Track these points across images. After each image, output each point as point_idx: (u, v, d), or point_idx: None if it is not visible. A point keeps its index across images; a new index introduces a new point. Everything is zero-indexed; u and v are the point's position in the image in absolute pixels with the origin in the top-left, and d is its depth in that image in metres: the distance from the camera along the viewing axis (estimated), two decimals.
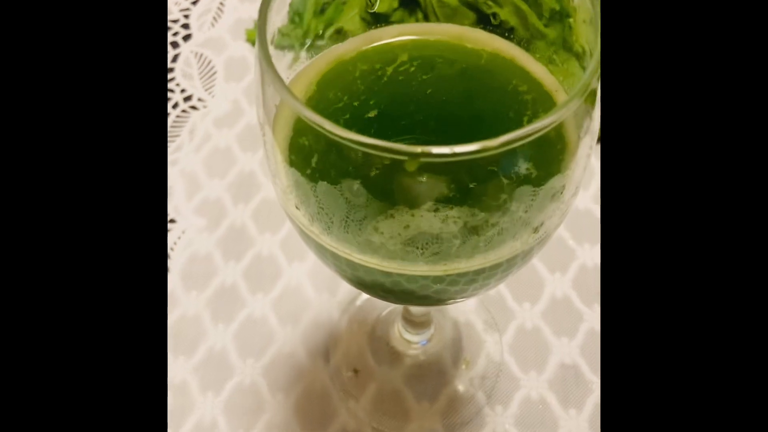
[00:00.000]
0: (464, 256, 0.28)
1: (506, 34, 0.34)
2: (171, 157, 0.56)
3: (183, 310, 0.49)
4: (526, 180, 0.26)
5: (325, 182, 0.28)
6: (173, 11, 0.64)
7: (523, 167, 0.26)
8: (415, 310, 0.43)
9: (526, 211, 0.28)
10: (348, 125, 0.30)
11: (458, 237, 0.28)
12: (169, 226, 0.52)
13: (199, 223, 0.53)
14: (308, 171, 0.29)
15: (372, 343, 0.48)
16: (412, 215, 0.27)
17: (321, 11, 0.68)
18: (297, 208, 0.29)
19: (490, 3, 0.55)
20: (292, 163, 0.30)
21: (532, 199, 0.27)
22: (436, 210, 0.27)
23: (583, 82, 0.24)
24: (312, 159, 0.29)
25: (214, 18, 0.64)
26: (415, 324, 0.45)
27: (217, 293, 0.50)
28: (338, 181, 0.28)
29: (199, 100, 0.59)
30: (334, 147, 0.26)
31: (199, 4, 0.65)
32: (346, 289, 0.50)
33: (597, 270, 0.50)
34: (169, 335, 0.48)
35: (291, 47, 0.52)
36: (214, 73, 0.61)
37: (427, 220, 0.27)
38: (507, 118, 0.30)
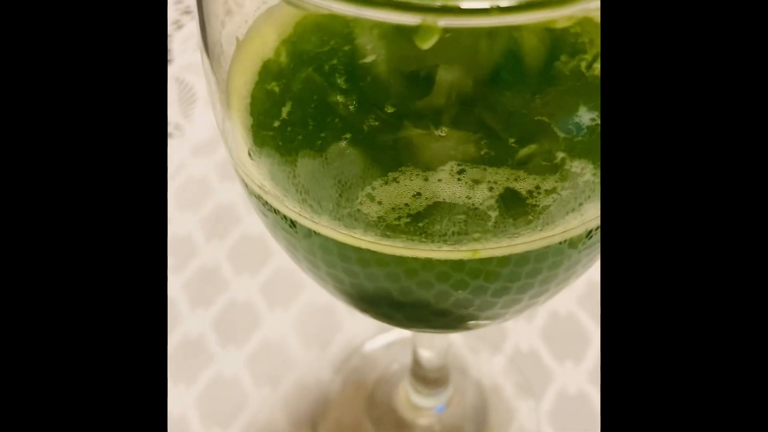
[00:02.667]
0: (500, 235, 0.18)
1: None
2: None
3: None
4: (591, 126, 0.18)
5: (301, 137, 0.20)
6: None
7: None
8: (428, 361, 0.33)
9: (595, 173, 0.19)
10: (341, 71, 0.21)
11: (495, 209, 0.18)
12: None
13: None
14: (276, 124, 0.20)
15: (372, 411, 0.37)
16: (426, 179, 0.18)
17: None
18: (251, 156, 0.20)
19: None
20: (254, 116, 0.21)
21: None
22: (462, 172, 0.18)
23: None
24: (282, 108, 0.20)
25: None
26: (428, 382, 0.34)
27: (179, 347, 0.40)
28: (320, 131, 0.19)
29: (176, 127, 0.51)
30: (315, 72, 0.18)
31: (184, 29, 0.58)
32: (339, 343, 0.40)
33: None
34: None
35: None
36: (195, 99, 0.53)
37: (447, 185, 0.18)
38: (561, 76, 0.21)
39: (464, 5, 0.13)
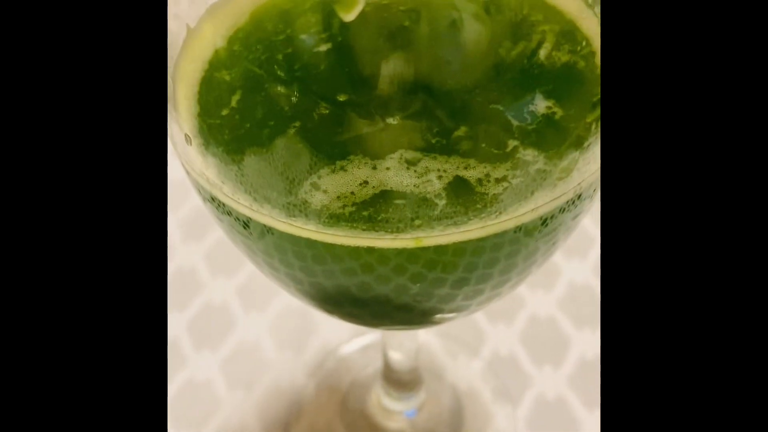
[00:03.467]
0: (453, 225, 0.18)
1: None
2: None
3: None
4: (551, 97, 0.17)
5: (248, 125, 0.19)
6: None
7: (548, 74, 0.17)
8: (398, 363, 0.32)
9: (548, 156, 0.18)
10: (290, 61, 0.21)
11: (443, 198, 0.18)
12: None
13: None
14: (224, 112, 0.20)
15: (344, 415, 0.36)
16: (374, 167, 0.18)
17: None
18: (188, 141, 0.19)
19: None
20: (200, 104, 0.21)
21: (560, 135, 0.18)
22: (410, 162, 0.18)
23: None
24: (231, 96, 0.20)
25: None
26: (400, 385, 0.34)
27: None
28: (267, 120, 0.19)
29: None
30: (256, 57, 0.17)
31: None
32: (315, 347, 0.39)
33: None
34: None
35: None
36: None
37: (396, 174, 0.18)
38: (520, 62, 0.21)
39: None
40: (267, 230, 0.18)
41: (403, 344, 0.31)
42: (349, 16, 0.14)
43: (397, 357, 0.32)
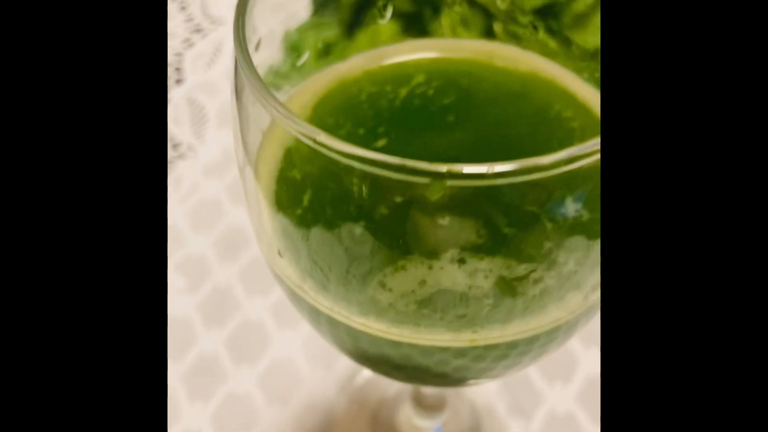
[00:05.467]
0: (497, 322, 0.21)
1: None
2: None
3: None
4: (581, 221, 0.20)
5: (320, 226, 0.22)
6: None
7: (578, 202, 0.20)
8: (429, 391, 0.36)
9: (579, 264, 0.21)
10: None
11: (489, 297, 0.21)
12: None
13: (178, 283, 0.46)
14: (298, 212, 0.23)
15: (375, 428, 0.40)
16: (430, 267, 0.21)
17: (325, 52, 0.62)
18: (281, 255, 0.22)
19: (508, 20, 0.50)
20: (278, 205, 0.24)
21: (588, 249, 0.21)
22: (462, 261, 0.21)
23: None
24: (303, 196, 0.23)
25: (209, 62, 0.59)
26: (427, 407, 0.38)
27: (195, 364, 0.43)
28: (336, 223, 0.22)
29: (189, 148, 0.53)
30: (330, 175, 0.20)
31: (194, 48, 0.60)
32: (344, 362, 0.43)
33: None
34: None
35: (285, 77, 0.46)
36: (206, 119, 0.55)
37: (449, 273, 0.21)
38: (550, 149, 0.24)
39: (467, 170, 0.15)
40: (340, 324, 0.22)
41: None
42: (435, 197, 0.17)
43: (429, 390, 0.35)
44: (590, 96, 0.25)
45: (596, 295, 0.23)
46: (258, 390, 0.42)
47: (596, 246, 0.21)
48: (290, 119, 0.18)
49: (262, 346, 0.44)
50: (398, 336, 0.21)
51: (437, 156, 0.24)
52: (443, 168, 0.15)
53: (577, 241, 0.21)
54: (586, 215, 0.21)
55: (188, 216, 0.50)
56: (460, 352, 0.21)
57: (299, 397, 0.42)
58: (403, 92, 0.26)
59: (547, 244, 0.21)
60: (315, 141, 0.17)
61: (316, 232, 0.22)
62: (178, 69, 0.58)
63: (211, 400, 0.41)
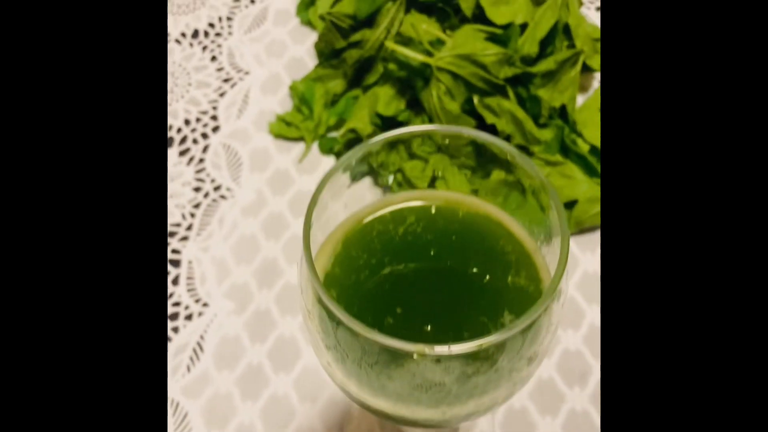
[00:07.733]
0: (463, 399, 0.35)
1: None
2: (203, 244, 0.63)
3: (215, 388, 0.56)
4: (514, 345, 0.34)
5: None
6: (202, 102, 0.71)
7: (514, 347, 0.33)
8: None
9: (518, 359, 0.35)
10: (367, 281, 0.37)
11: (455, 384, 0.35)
12: (203, 309, 0.59)
13: (228, 307, 0.60)
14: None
15: (381, 421, 0.55)
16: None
17: (332, 103, 0.75)
18: (330, 365, 0.36)
19: (488, 113, 0.62)
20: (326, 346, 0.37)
21: (519, 352, 0.35)
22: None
23: (550, 286, 0.31)
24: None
25: (240, 110, 0.71)
26: None
27: (245, 372, 0.57)
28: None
29: (228, 189, 0.66)
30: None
31: (226, 96, 0.72)
32: None
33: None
34: (203, 411, 0.55)
35: (300, 139, 0.62)
36: (240, 163, 0.67)
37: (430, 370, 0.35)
38: (496, 276, 0.37)
39: (436, 351, 0.29)
40: (368, 405, 0.35)
41: None
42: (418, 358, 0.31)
43: None
44: (523, 235, 0.39)
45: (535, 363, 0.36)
46: (293, 391, 0.56)
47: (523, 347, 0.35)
48: (329, 303, 0.31)
49: (296, 357, 0.58)
50: (397, 411, 0.34)
51: (424, 281, 0.37)
52: (423, 349, 0.29)
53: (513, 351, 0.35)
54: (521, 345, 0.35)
55: (231, 250, 0.63)
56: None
57: (324, 396, 0.56)
58: (401, 230, 0.39)
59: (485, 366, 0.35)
60: (340, 322, 0.30)
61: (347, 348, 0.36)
62: (214, 117, 0.70)
63: (258, 400, 0.56)
